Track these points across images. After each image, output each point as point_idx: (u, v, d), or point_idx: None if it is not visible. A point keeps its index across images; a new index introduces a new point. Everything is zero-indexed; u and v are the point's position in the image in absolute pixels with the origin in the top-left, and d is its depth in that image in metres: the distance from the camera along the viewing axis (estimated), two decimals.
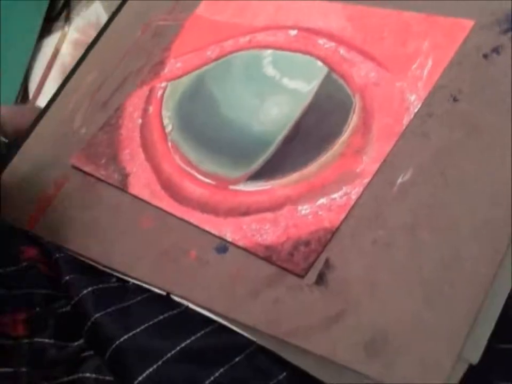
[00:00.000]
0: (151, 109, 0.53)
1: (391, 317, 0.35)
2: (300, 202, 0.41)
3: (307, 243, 0.39)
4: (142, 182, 0.48)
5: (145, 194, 0.47)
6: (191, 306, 0.42)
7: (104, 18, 0.65)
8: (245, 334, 0.40)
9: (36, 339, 0.43)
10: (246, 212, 0.42)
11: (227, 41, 0.53)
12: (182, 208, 0.45)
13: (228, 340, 0.40)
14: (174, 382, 0.39)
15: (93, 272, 0.47)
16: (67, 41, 0.65)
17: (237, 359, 0.39)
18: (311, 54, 0.48)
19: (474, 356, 0.33)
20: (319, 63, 0.47)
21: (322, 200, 0.40)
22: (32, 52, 0.65)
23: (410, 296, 0.35)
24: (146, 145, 0.50)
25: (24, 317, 0.43)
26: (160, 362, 0.39)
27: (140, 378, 0.38)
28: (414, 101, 0.41)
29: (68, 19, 0.67)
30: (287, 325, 0.37)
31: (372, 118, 0.42)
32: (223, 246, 0.43)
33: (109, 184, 0.50)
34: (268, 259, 0.40)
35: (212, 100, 0.50)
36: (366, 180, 0.40)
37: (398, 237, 0.37)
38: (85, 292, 0.44)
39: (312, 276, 0.38)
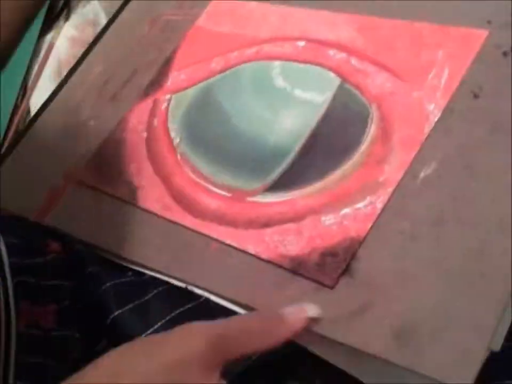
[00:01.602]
0: (156, 121, 0.52)
1: (419, 307, 0.35)
2: (323, 213, 0.41)
3: (334, 254, 0.39)
4: (152, 196, 0.47)
5: (157, 209, 0.46)
6: (212, 298, 0.41)
7: (101, 16, 0.66)
8: None
9: (64, 332, 0.43)
10: (267, 224, 0.42)
11: (232, 52, 0.53)
12: (197, 222, 0.44)
13: None
14: None
15: (111, 264, 0.46)
16: (63, 37, 0.65)
17: None
18: (321, 65, 0.48)
19: (496, 344, 0.33)
20: (331, 74, 0.47)
21: (346, 210, 0.40)
22: (32, 51, 0.65)
23: (438, 286, 0.35)
24: (154, 158, 0.49)
25: (54, 309, 0.44)
26: None
27: None
28: (434, 110, 0.41)
29: (67, 19, 0.67)
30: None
31: (391, 128, 0.42)
32: None
33: (117, 198, 0.49)
34: (294, 271, 0.39)
35: (222, 112, 0.49)
36: (390, 189, 0.39)
37: (424, 228, 0.37)
38: (104, 287, 0.44)
39: None
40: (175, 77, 0.54)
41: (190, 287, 0.43)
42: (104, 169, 0.51)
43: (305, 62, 0.49)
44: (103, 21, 0.68)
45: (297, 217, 0.41)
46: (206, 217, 0.44)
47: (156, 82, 0.54)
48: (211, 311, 0.41)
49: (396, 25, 0.47)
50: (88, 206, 0.50)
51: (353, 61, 0.47)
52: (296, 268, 0.39)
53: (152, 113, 0.52)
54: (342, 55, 0.47)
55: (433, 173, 0.39)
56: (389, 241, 0.38)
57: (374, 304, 0.36)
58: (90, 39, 0.64)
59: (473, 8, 0.44)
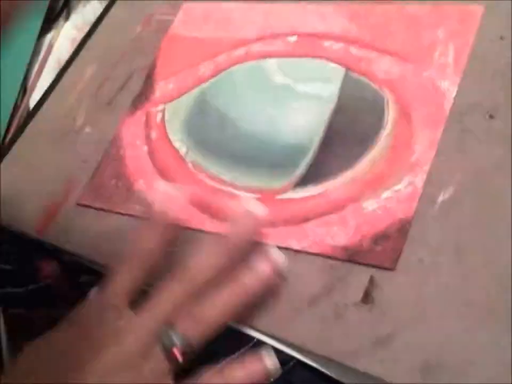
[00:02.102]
0: (154, 134, 0.50)
1: (442, 339, 0.35)
2: (362, 199, 0.41)
3: (387, 237, 0.39)
4: (173, 209, 0.46)
5: (181, 221, 0.45)
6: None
7: None
8: (288, 351, 0.39)
9: None
10: (306, 218, 0.42)
11: (219, 56, 0.52)
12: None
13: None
14: None
15: None
16: (63, 38, 0.63)
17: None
18: (320, 57, 0.48)
19: None
20: (332, 64, 0.47)
21: (387, 193, 0.41)
22: (32, 51, 0.62)
23: (460, 317, 0.35)
24: (163, 171, 0.48)
25: None
26: None
27: None
28: (449, 87, 0.43)
29: (67, 19, 0.64)
30: (336, 345, 0.37)
31: (409, 108, 0.43)
32: None
33: (131, 216, 0.47)
34: (350, 260, 0.39)
35: (222, 116, 0.49)
36: (426, 167, 0.40)
37: (443, 256, 0.37)
38: None
39: (357, 293, 0.38)
40: (162, 87, 0.53)
41: None
42: (107, 188, 0.49)
43: (301, 56, 0.49)
44: None
45: (336, 208, 0.41)
46: None
47: (143, 95, 0.53)
48: (226, 338, 0.40)
49: (387, 9, 0.48)
50: (86, 221, 0.48)
51: (353, 49, 0.47)
52: (351, 257, 0.39)
53: (148, 126, 0.51)
54: (339, 45, 0.48)
55: (451, 198, 0.39)
56: (408, 270, 0.38)
57: (397, 335, 0.36)
58: None
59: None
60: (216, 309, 0.38)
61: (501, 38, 0.43)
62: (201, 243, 0.41)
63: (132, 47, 0.57)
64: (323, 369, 0.37)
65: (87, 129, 0.51)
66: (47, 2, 0.63)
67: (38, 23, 0.62)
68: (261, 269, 0.38)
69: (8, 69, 0.58)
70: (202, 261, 0.39)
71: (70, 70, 0.55)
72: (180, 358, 0.37)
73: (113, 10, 0.60)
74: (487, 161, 0.39)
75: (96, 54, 0.57)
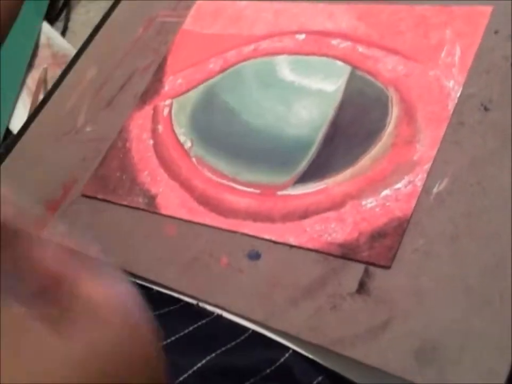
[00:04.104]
0: (160, 128, 0.51)
1: (438, 325, 0.35)
2: (362, 197, 0.41)
3: (384, 234, 0.39)
4: (174, 202, 0.46)
5: (182, 214, 0.45)
6: (225, 315, 0.40)
7: (54, 36, 0.64)
8: (282, 341, 0.39)
9: None
10: (305, 215, 0.42)
11: (229, 52, 0.52)
12: (229, 221, 0.43)
13: (258, 355, 0.39)
14: None
15: None
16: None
17: (268, 371, 0.38)
18: (327, 55, 0.48)
19: None
20: (339, 63, 0.47)
21: (386, 192, 0.40)
22: (32, 53, 0.64)
23: (457, 304, 0.35)
24: (166, 165, 0.48)
25: None
26: (186, 375, 0.38)
27: None
28: (454, 86, 0.42)
29: (67, 19, 0.66)
30: (331, 334, 0.37)
31: (413, 108, 0.43)
32: (255, 253, 0.42)
33: (133, 208, 0.47)
34: (345, 256, 0.39)
35: (229, 110, 0.49)
36: (427, 166, 0.40)
37: (438, 245, 0.37)
38: None
39: (352, 284, 0.38)
40: (171, 82, 0.53)
41: (201, 304, 0.42)
42: (111, 180, 0.49)
43: (308, 54, 0.49)
44: (57, 41, 0.67)
45: (335, 205, 0.41)
46: (238, 216, 0.43)
47: (152, 89, 0.53)
48: (221, 329, 0.40)
49: (396, 9, 0.48)
50: (86, 218, 0.49)
51: (360, 48, 0.47)
52: (346, 253, 0.39)
53: (155, 120, 0.51)
54: (347, 44, 0.48)
55: (446, 189, 0.39)
56: (403, 259, 0.38)
57: (393, 323, 0.36)
58: (50, 61, 0.63)
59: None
60: None
61: (509, 37, 0.42)
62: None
63: (132, 49, 0.57)
64: (319, 360, 0.37)
65: (88, 129, 0.52)
66: (47, 2, 0.64)
67: (38, 23, 0.63)
68: None
69: (8, 69, 0.59)
70: None
71: (72, 71, 0.56)
72: None
73: (115, 12, 0.61)
74: (481, 153, 0.39)
75: (97, 55, 0.57)
